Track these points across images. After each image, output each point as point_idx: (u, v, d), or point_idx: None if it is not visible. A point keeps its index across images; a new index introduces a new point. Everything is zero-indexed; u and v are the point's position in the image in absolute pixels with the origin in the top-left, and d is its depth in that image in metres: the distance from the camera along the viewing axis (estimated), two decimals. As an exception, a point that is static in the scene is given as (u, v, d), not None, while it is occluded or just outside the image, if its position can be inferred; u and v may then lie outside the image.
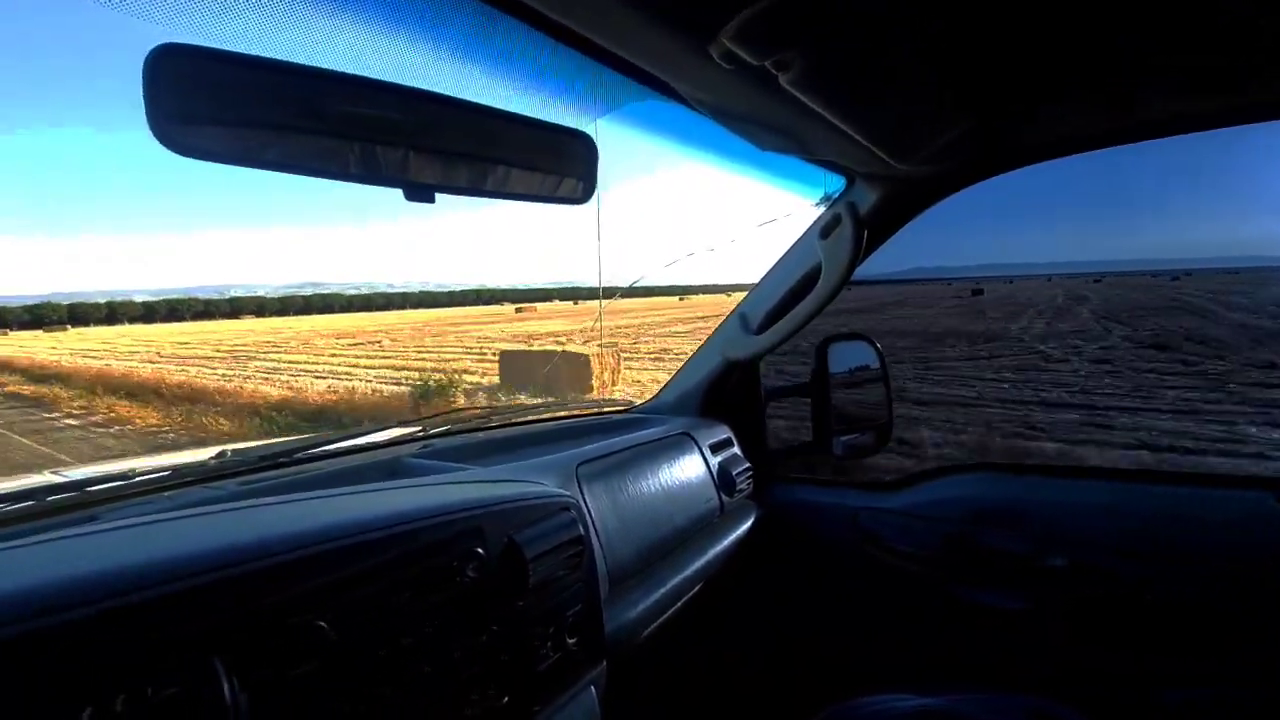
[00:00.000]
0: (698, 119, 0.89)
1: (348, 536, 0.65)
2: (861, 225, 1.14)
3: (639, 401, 1.72)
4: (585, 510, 1.01)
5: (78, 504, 0.83)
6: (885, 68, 0.72)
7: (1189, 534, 1.14)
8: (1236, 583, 1.09)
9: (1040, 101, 1.00)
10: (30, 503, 0.81)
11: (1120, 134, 1.13)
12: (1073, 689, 0.87)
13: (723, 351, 1.47)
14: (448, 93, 0.59)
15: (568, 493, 0.93)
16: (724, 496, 1.36)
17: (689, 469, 1.31)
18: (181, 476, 0.94)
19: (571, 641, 0.87)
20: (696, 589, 1.21)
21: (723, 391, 1.53)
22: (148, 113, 0.42)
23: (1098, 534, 1.19)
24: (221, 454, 1.07)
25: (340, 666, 0.62)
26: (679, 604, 1.16)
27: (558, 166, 0.65)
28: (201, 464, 1.02)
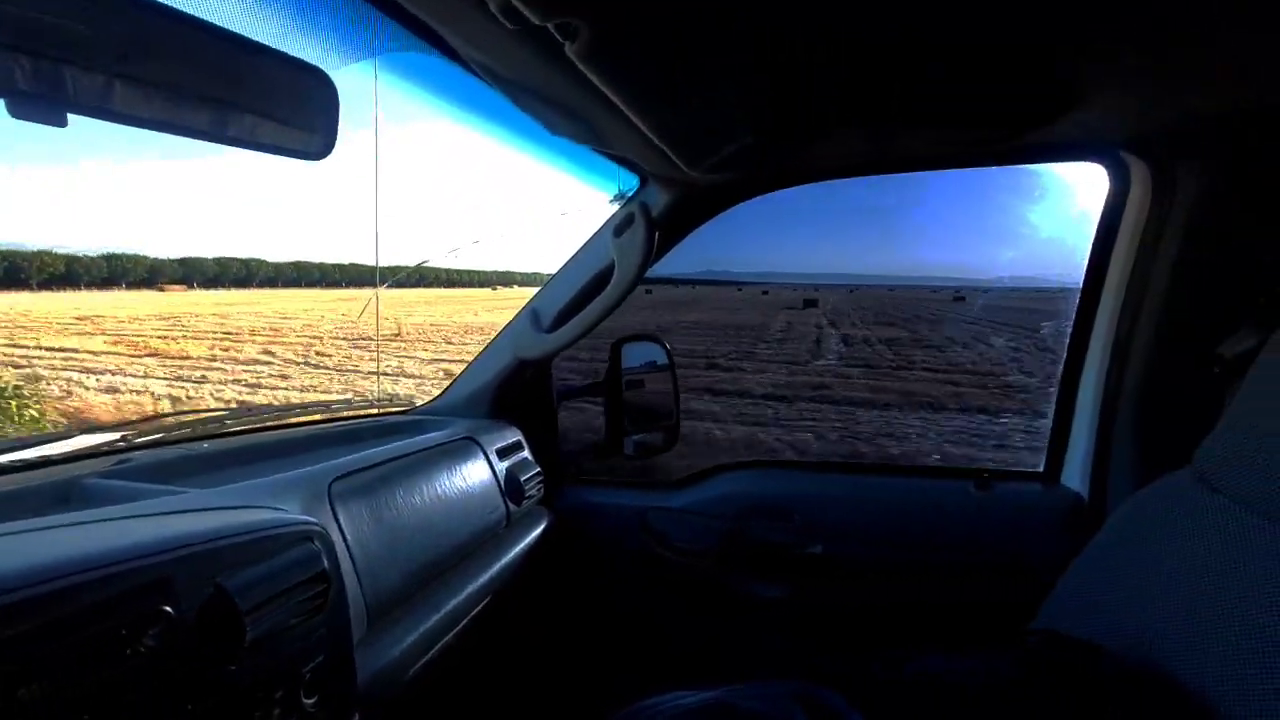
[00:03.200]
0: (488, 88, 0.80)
1: None
2: (653, 226, 1.13)
3: (423, 401, 1.56)
4: (340, 535, 0.85)
5: None
6: (677, 60, 0.70)
7: (912, 519, 1.33)
8: (953, 560, 1.30)
9: (815, 128, 1.07)
10: None
11: (880, 165, 1.28)
12: (832, 671, 0.94)
13: (514, 350, 1.38)
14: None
15: (312, 518, 0.77)
16: (510, 504, 1.27)
17: (471, 476, 1.19)
18: None
19: (310, 702, 0.71)
20: (480, 607, 1.11)
21: (514, 391, 1.44)
22: None
23: (845, 523, 1.33)
24: None
25: None
26: (457, 628, 1.04)
27: (286, 108, 0.51)
28: None
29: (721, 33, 0.68)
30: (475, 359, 1.47)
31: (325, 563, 0.72)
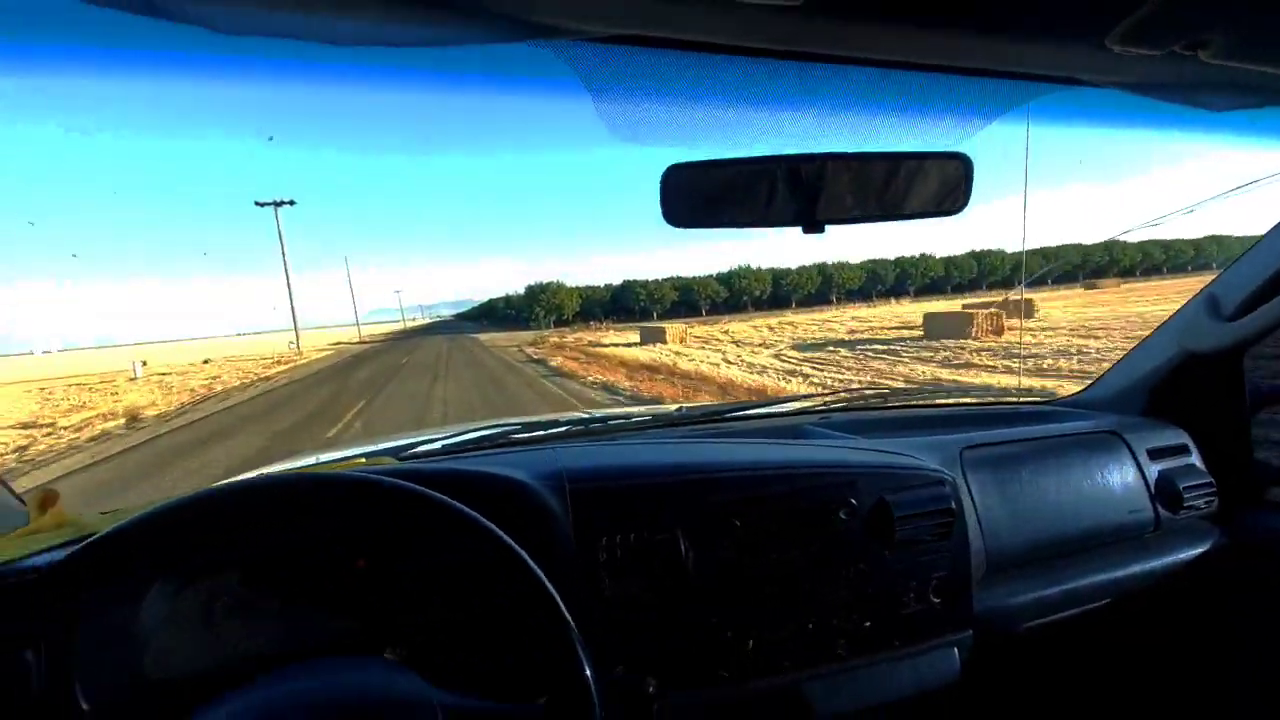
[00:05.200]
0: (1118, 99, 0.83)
1: (751, 470, 0.92)
2: None
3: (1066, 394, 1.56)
4: (966, 490, 1.06)
5: (597, 430, 1.33)
6: None
7: None
8: None
9: None
10: (581, 426, 1.34)
11: None
12: None
13: (1181, 341, 1.22)
14: (844, 149, 0.76)
15: (947, 471, 1.01)
16: (1162, 510, 1.17)
17: (1111, 471, 1.17)
18: (657, 420, 1.39)
19: (936, 600, 0.96)
20: (1106, 602, 1.10)
21: (1179, 388, 1.28)
22: (662, 208, 0.73)
23: None
24: (680, 408, 1.52)
25: (746, 558, 0.89)
26: (1076, 610, 1.09)
27: (936, 187, 0.75)
28: (670, 413, 1.46)
29: None
30: (1130, 351, 1.37)
31: (952, 503, 0.96)
